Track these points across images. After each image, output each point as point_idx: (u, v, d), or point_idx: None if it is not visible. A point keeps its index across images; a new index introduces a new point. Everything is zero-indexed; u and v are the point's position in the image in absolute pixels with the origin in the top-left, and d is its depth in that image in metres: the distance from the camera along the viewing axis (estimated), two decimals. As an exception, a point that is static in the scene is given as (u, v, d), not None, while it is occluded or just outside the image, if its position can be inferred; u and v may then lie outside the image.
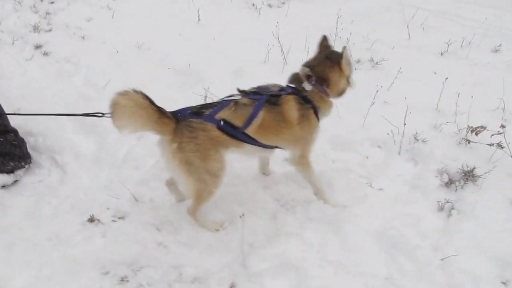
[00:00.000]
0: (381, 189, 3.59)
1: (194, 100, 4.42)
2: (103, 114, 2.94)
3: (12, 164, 3.49)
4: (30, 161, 3.63)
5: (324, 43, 3.26)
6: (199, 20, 6.11)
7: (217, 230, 3.20)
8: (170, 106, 2.95)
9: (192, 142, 2.81)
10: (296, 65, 4.94)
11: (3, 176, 3.48)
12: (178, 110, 2.92)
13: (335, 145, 4.05)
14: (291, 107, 3.03)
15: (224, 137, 2.89)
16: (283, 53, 5.25)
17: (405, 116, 3.96)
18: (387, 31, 6.13)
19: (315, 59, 3.26)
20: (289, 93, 3.08)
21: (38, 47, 5.22)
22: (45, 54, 5.14)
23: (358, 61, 5.41)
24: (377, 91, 4.28)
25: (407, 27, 6.04)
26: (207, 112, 2.89)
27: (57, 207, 3.35)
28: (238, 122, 2.92)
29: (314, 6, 6.86)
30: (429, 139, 4.03)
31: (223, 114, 2.89)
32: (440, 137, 4.11)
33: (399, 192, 3.55)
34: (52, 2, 6.20)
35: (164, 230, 3.18)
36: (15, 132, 3.50)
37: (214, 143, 2.88)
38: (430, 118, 4.35)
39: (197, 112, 2.89)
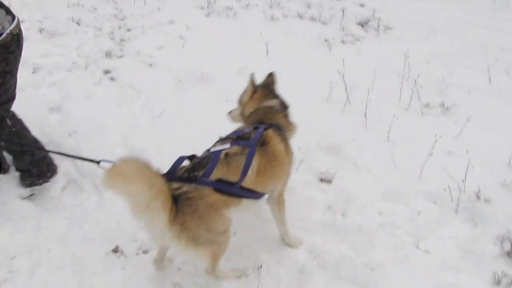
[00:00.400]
0: (427, 251, 3.22)
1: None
2: (98, 162, 2.75)
3: (30, 180, 3.61)
4: (48, 179, 3.69)
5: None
6: (267, 53, 6.04)
7: (239, 276, 3.01)
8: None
9: (194, 218, 2.49)
10: (359, 105, 4.76)
11: (22, 189, 3.63)
12: (167, 173, 2.59)
13: (385, 196, 3.74)
14: (276, 141, 2.88)
15: (224, 198, 2.62)
16: (347, 92, 5.03)
17: (466, 170, 3.57)
18: (465, 74, 5.68)
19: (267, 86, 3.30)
20: (266, 128, 2.90)
21: (107, 72, 5.42)
22: (112, 79, 5.31)
23: (427, 105, 5.03)
24: (436, 141, 3.90)
25: (488, 70, 5.55)
26: (200, 173, 2.58)
27: (87, 232, 3.36)
28: (234, 177, 2.66)
29: (389, 44, 6.55)
30: (493, 198, 3.59)
31: (217, 173, 2.60)
32: (507, 198, 3.65)
33: (448, 257, 3.16)
34: (128, 30, 6.45)
35: (184, 270, 3.06)
36: (32, 153, 3.56)
37: (215, 208, 2.59)
38: (499, 174, 3.90)
39: (188, 176, 2.57)
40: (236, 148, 2.72)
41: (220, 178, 2.60)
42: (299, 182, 3.87)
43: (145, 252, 3.19)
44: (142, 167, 2.28)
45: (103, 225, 3.40)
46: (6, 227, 3.36)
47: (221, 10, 7.24)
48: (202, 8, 7.29)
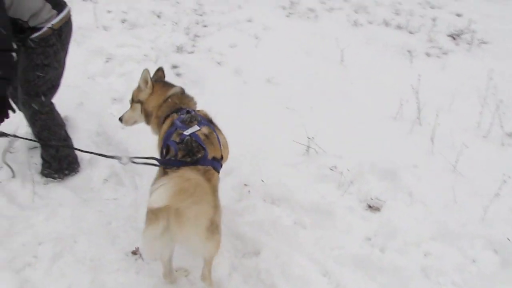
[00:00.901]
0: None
1: (291, 149, 4.12)
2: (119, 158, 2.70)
3: (47, 171, 3.74)
4: (64, 177, 3.78)
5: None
6: (342, 60, 5.72)
7: None
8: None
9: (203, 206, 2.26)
10: (429, 128, 4.33)
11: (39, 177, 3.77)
12: (175, 161, 2.50)
13: (435, 235, 3.34)
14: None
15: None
16: (418, 111, 4.60)
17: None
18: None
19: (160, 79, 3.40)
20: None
21: (174, 67, 5.45)
22: (178, 74, 5.33)
23: (510, 135, 4.46)
24: (504, 181, 3.41)
25: None
26: (201, 155, 2.53)
27: (114, 229, 3.36)
28: (218, 154, 2.75)
29: (480, 61, 5.92)
30: None
31: (211, 153, 2.63)
32: None
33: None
34: (205, 26, 6.45)
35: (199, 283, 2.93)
36: (57, 148, 3.65)
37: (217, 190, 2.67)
38: None
39: (192, 160, 2.49)
40: (206, 128, 2.76)
41: (214, 156, 2.65)
42: (342, 206, 3.58)
43: (162, 259, 3.11)
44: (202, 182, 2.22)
45: (130, 224, 3.38)
46: (43, 212, 3.46)
47: (303, 12, 7.01)
48: (284, 8, 7.10)
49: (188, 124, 2.74)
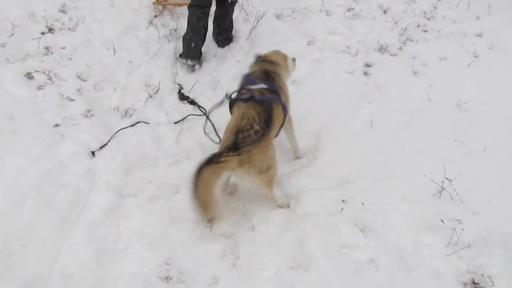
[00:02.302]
0: None
1: (422, 184, 3.75)
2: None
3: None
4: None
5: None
6: None
7: (288, 205, 3.69)
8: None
9: (259, 154, 3.27)
10: None
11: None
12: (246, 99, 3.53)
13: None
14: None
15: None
16: None
17: None
18: None
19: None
20: None
21: (367, 65, 5.38)
22: (365, 73, 5.27)
23: None
24: None
25: None
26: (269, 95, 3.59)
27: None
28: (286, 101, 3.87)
29: None
30: None
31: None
32: None
33: None
34: (425, 31, 6.00)
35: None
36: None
37: (270, 140, 3.49)
38: None
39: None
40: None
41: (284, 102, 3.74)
42: (441, 268, 3.20)
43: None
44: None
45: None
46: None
47: (554, 37, 5.86)
48: (530, 29, 6.06)
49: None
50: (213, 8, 5.33)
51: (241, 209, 3.61)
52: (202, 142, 4.27)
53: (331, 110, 4.66)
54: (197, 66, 5.35)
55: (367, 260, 3.23)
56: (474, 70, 5.27)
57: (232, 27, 5.69)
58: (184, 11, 6.24)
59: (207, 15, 5.17)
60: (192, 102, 4.79)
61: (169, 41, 5.71)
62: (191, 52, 5.22)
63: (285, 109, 3.73)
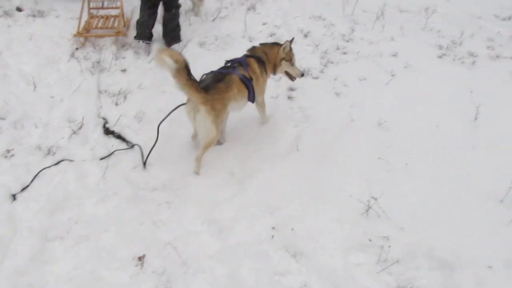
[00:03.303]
0: None
1: (350, 205, 3.87)
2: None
3: None
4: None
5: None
6: (475, 118, 5.03)
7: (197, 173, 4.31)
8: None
9: (219, 103, 4.08)
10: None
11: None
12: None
13: None
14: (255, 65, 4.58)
15: (233, 93, 4.25)
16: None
17: None
18: None
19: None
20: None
21: (290, 89, 5.52)
22: (290, 98, 5.41)
23: None
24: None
25: None
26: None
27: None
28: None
29: None
30: None
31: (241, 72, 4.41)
32: None
33: None
34: (344, 53, 6.27)
35: None
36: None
37: (227, 101, 4.20)
38: None
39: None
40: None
41: (243, 74, 4.39)
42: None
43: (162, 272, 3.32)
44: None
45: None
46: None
47: (460, 55, 6.32)
48: (441, 47, 6.50)
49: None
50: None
51: (172, 243, 3.56)
52: (130, 177, 4.20)
53: (257, 136, 4.73)
54: (150, 46, 6.30)
55: (300, 285, 3.28)
56: (392, 89, 5.55)
57: (180, 28, 6.46)
58: (106, 43, 6.18)
59: (157, 5, 6.16)
60: (119, 137, 4.70)
61: (92, 73, 5.60)
62: (144, 33, 6.18)
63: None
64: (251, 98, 4.52)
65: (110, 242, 3.60)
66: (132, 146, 4.55)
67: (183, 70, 3.82)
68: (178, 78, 3.82)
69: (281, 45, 4.72)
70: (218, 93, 4.07)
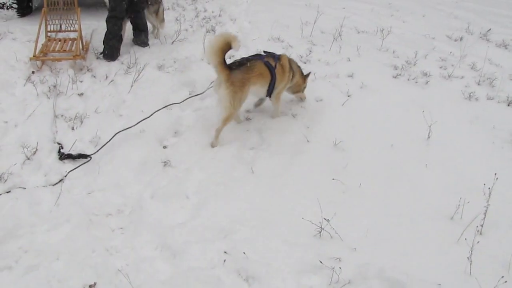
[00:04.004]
0: None
1: (304, 226, 3.92)
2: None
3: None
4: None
5: None
6: (428, 137, 5.18)
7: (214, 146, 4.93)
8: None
9: (239, 81, 4.74)
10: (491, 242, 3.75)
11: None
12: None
13: None
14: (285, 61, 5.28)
15: (256, 77, 4.92)
16: (484, 216, 3.90)
17: None
18: None
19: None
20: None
21: (247, 111, 5.55)
22: (248, 119, 5.42)
23: None
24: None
25: None
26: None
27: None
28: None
29: None
30: None
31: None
32: None
33: None
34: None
35: None
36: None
37: (248, 83, 4.87)
38: None
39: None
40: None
41: (267, 61, 5.04)
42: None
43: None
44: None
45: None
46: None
47: (415, 75, 6.52)
48: (396, 68, 6.70)
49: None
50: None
51: (125, 270, 3.52)
52: (83, 203, 4.16)
53: (214, 159, 4.75)
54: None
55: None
56: (348, 109, 5.67)
57: (147, 30, 7.10)
58: (64, 66, 6.14)
59: (122, 23, 6.57)
60: (76, 156, 4.65)
61: (48, 97, 5.54)
62: (110, 52, 6.48)
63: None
64: (271, 88, 5.10)
65: (61, 270, 3.53)
66: (90, 157, 4.67)
67: (222, 52, 4.57)
68: (217, 56, 4.55)
69: (307, 75, 5.61)
70: (240, 73, 4.74)
